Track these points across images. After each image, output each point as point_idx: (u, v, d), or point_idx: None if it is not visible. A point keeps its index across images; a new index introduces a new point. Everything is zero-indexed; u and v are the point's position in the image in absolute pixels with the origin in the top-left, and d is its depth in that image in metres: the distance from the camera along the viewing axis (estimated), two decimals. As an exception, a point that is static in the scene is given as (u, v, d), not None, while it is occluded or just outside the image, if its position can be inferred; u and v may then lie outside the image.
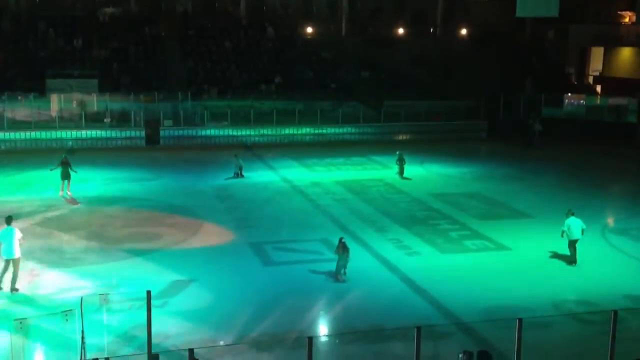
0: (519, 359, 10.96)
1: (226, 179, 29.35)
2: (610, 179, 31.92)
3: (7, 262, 16.37)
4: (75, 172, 25.98)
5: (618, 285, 17.49)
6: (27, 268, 17.42)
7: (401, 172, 30.16)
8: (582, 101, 43.64)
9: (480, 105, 42.78)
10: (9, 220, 16.89)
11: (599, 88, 51.14)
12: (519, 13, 46.63)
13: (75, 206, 24.58)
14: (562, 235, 19.02)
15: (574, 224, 18.73)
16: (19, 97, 38.23)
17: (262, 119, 39.92)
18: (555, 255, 19.46)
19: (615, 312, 11.26)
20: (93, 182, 28.50)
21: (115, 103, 39.47)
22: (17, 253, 16.43)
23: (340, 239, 17.78)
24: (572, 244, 18.82)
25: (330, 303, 16.35)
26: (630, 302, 16.26)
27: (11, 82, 39.84)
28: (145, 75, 43.10)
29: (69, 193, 25.78)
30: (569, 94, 44.59)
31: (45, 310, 14.34)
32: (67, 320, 11.88)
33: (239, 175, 29.59)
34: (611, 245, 21.15)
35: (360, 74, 47.70)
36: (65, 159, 26.05)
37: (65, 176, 25.65)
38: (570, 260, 18.93)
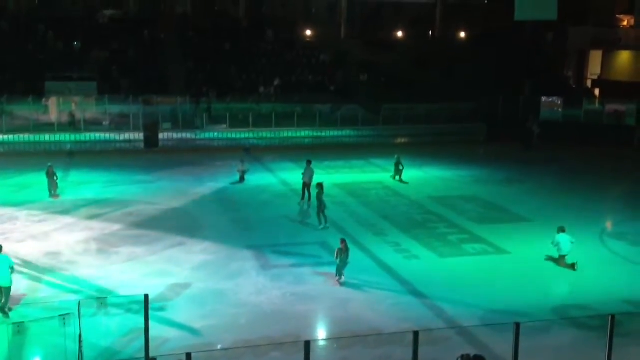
0: (517, 363, 10.96)
1: (231, 183, 29.30)
2: (608, 182, 31.94)
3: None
4: (57, 181, 26.27)
5: (616, 290, 17.51)
6: (25, 271, 17.41)
7: (395, 175, 30.15)
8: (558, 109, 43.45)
9: (479, 107, 42.77)
10: None
11: (597, 91, 51.15)
12: (518, 16, 46.38)
13: (72, 208, 24.56)
14: (552, 244, 19.44)
15: (564, 241, 19.14)
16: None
17: (261, 121, 39.91)
18: (554, 260, 19.44)
19: (613, 316, 11.26)
20: (92, 184, 28.49)
21: (115, 106, 39.47)
22: (9, 281, 15.33)
23: (342, 240, 17.79)
24: (562, 258, 19.20)
25: (328, 307, 16.35)
26: (629, 307, 16.27)
27: (10, 84, 39.82)
28: (144, 77, 43.08)
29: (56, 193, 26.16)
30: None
31: (43, 314, 14.30)
32: (64, 324, 11.86)
33: (241, 178, 29.52)
34: (609, 250, 21.14)
35: (359, 76, 47.71)
36: (50, 168, 26.17)
37: (52, 185, 26.04)
38: (569, 265, 18.98)
